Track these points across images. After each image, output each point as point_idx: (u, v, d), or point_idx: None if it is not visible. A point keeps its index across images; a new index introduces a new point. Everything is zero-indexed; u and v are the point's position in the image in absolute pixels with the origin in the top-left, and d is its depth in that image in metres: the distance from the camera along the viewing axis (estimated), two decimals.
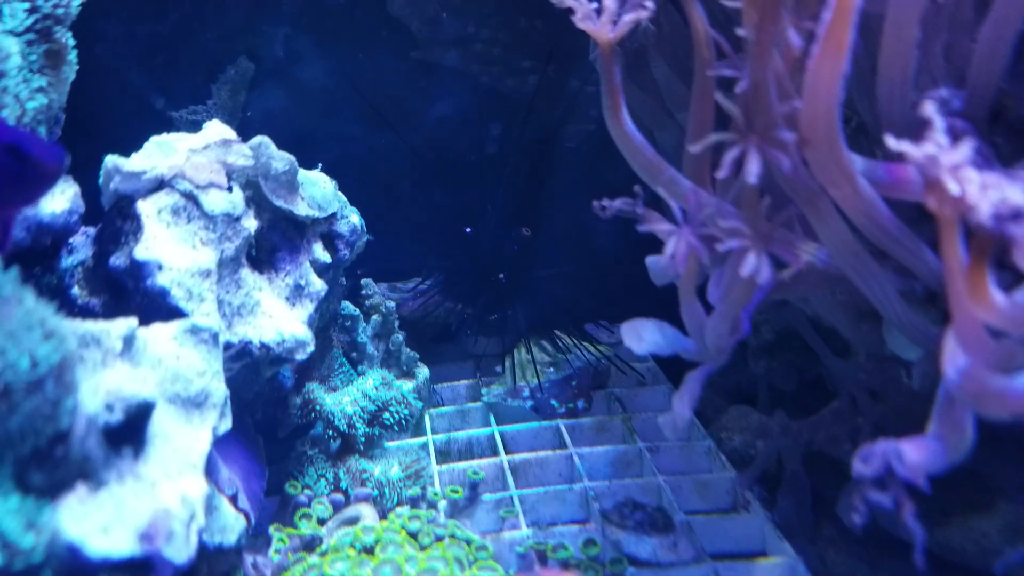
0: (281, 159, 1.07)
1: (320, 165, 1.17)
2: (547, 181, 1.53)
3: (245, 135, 1.07)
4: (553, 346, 1.45)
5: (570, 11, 0.73)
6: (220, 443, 0.84)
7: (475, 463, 1.23)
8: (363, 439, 1.15)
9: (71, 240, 1.02)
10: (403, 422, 1.18)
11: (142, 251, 0.93)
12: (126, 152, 1.02)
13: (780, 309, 1.10)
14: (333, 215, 1.14)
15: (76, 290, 0.99)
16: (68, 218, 1.01)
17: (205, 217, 0.98)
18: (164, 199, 0.98)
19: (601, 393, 1.39)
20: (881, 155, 0.76)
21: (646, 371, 1.44)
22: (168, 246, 0.95)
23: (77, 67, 1.04)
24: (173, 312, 0.90)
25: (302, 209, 1.09)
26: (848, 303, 0.86)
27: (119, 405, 0.70)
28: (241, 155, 1.04)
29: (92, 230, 1.02)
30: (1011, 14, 0.69)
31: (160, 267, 0.93)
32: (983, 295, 0.54)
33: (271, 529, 1.03)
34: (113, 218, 1.00)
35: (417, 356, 1.32)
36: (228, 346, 0.94)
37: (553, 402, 1.35)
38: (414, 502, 1.12)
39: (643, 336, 0.81)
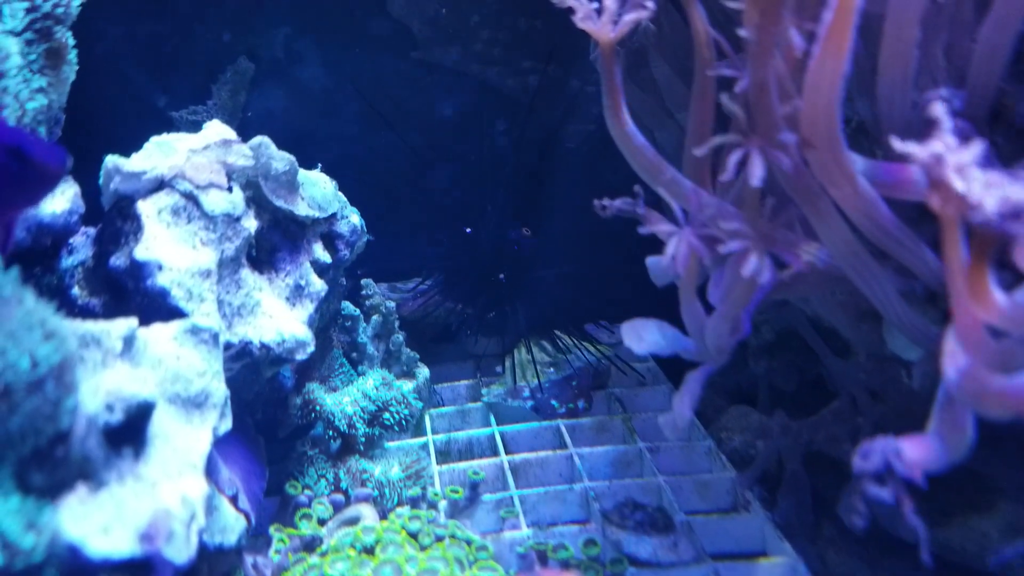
0: (281, 159, 1.07)
1: (320, 165, 1.17)
2: (547, 181, 1.53)
3: (245, 135, 1.07)
4: (553, 346, 1.45)
5: (571, 11, 0.73)
6: (220, 443, 0.83)
7: (475, 463, 1.23)
8: (363, 439, 1.15)
9: (71, 240, 1.02)
10: (403, 422, 1.18)
11: (142, 251, 0.93)
12: (126, 152, 1.02)
13: (780, 309, 1.10)
14: (333, 215, 1.14)
15: (76, 290, 0.99)
16: (68, 218, 1.01)
17: (205, 217, 0.98)
18: (164, 199, 0.98)
19: (601, 393, 1.39)
20: (881, 155, 0.76)
21: (646, 371, 1.44)
22: (168, 246, 0.95)
23: (77, 67, 1.04)
24: (173, 312, 0.90)
25: (302, 209, 1.09)
26: (848, 303, 0.86)
27: (119, 405, 0.70)
28: (241, 155, 1.04)
29: (92, 230, 1.02)
30: (1011, 14, 0.69)
31: (160, 267, 0.93)
32: (984, 294, 0.54)
33: (271, 529, 1.03)
34: (113, 218, 1.00)
35: (417, 356, 1.32)
36: (228, 346, 0.94)
37: (553, 402, 1.35)
38: (414, 502, 1.12)
39: (643, 336, 0.81)
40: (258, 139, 1.07)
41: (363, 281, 1.34)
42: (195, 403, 0.80)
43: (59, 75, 1.01)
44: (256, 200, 1.06)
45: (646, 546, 1.04)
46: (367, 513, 1.08)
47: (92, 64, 1.08)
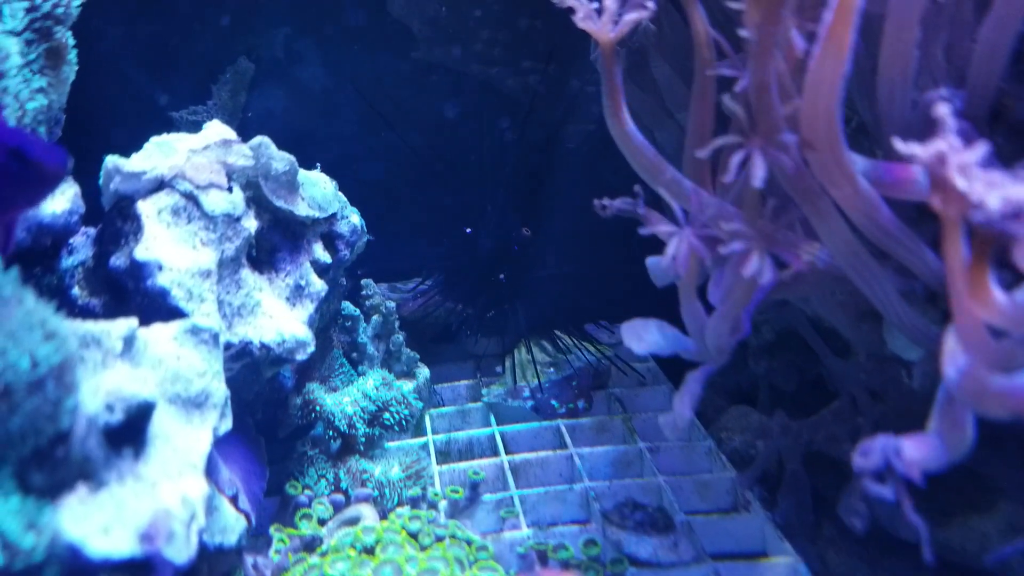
0: (281, 159, 1.07)
1: (318, 165, 1.17)
2: (547, 181, 1.53)
3: (245, 135, 1.07)
4: (553, 346, 1.45)
5: (571, 11, 0.73)
6: (221, 443, 0.83)
7: (475, 463, 1.23)
8: (363, 439, 1.15)
9: (71, 240, 1.02)
10: (403, 422, 1.18)
11: (142, 251, 0.93)
12: (126, 152, 1.02)
13: (780, 309, 1.10)
14: (333, 215, 1.14)
15: (76, 290, 0.99)
16: (68, 218, 1.01)
17: (205, 217, 0.98)
18: (164, 199, 0.98)
19: (601, 393, 1.39)
20: (881, 155, 0.76)
21: (646, 371, 1.44)
22: (168, 246, 0.95)
23: (77, 67, 1.04)
24: (173, 312, 0.90)
25: (302, 209, 1.09)
26: (848, 303, 0.86)
27: (119, 405, 0.70)
28: (241, 155, 1.03)
29: (92, 230, 1.02)
30: (1011, 14, 0.69)
31: (160, 267, 0.93)
32: (984, 294, 0.54)
33: (271, 529, 1.03)
34: (113, 218, 1.00)
35: (417, 356, 1.32)
36: (228, 346, 0.94)
37: (553, 402, 1.35)
38: (414, 502, 1.12)
39: (643, 336, 0.81)
40: (258, 139, 1.07)
41: (363, 281, 1.34)
42: (195, 403, 0.80)
43: (59, 75, 1.01)
44: (256, 200, 1.06)
45: (646, 546, 1.04)
46: (367, 513, 1.08)
47: (92, 64, 1.08)
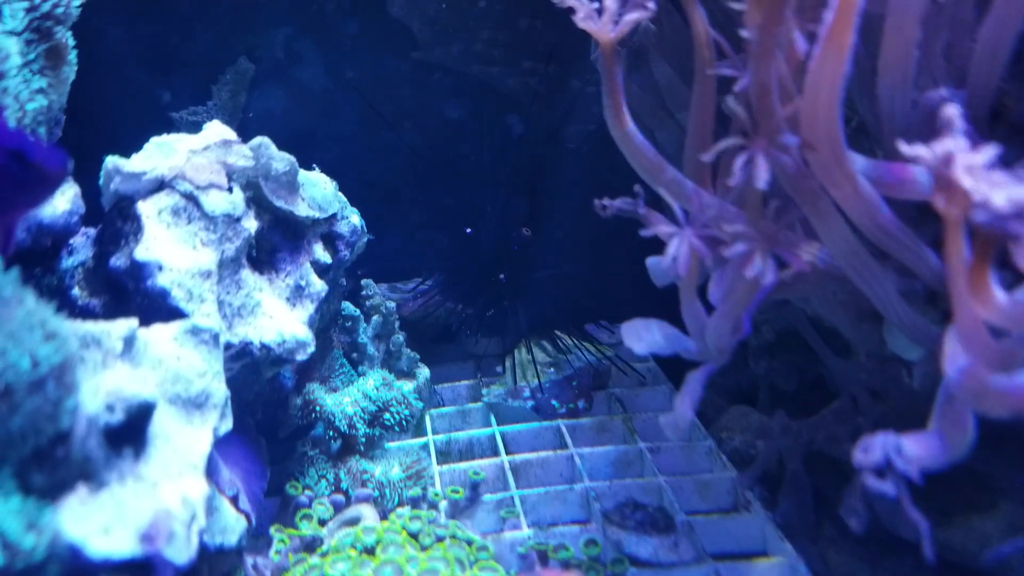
0: (281, 160, 1.07)
1: (315, 166, 1.17)
2: (547, 181, 1.53)
3: (245, 136, 1.07)
4: (553, 346, 1.45)
5: (571, 11, 0.73)
6: (221, 444, 0.83)
7: (476, 463, 1.23)
8: (364, 440, 1.15)
9: (71, 241, 1.02)
10: (404, 423, 1.18)
11: (142, 252, 0.93)
12: (126, 153, 1.01)
13: (781, 309, 1.10)
14: (333, 216, 1.14)
15: (76, 291, 0.99)
16: (68, 219, 1.01)
17: (205, 218, 0.98)
18: (164, 200, 0.98)
19: (602, 393, 1.39)
20: (881, 155, 0.76)
21: (647, 371, 1.44)
22: (168, 247, 0.95)
23: (77, 67, 1.04)
24: (173, 313, 0.90)
25: (302, 210, 1.09)
26: (849, 303, 0.86)
27: (120, 406, 0.70)
28: (241, 156, 1.03)
29: (92, 231, 1.02)
30: (1011, 14, 0.69)
31: (160, 268, 0.93)
32: (985, 293, 0.54)
33: (272, 530, 1.03)
34: (113, 219, 1.00)
35: (418, 356, 1.32)
36: (228, 346, 0.94)
37: (554, 402, 1.35)
38: (415, 502, 1.12)
39: (643, 336, 0.81)
40: (258, 140, 1.07)
41: (363, 281, 1.34)
42: (195, 403, 0.80)
43: (59, 75, 1.01)
44: (256, 200, 1.06)
45: (647, 546, 1.04)
46: (368, 513, 1.08)
47: (92, 64, 1.08)
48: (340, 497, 1.10)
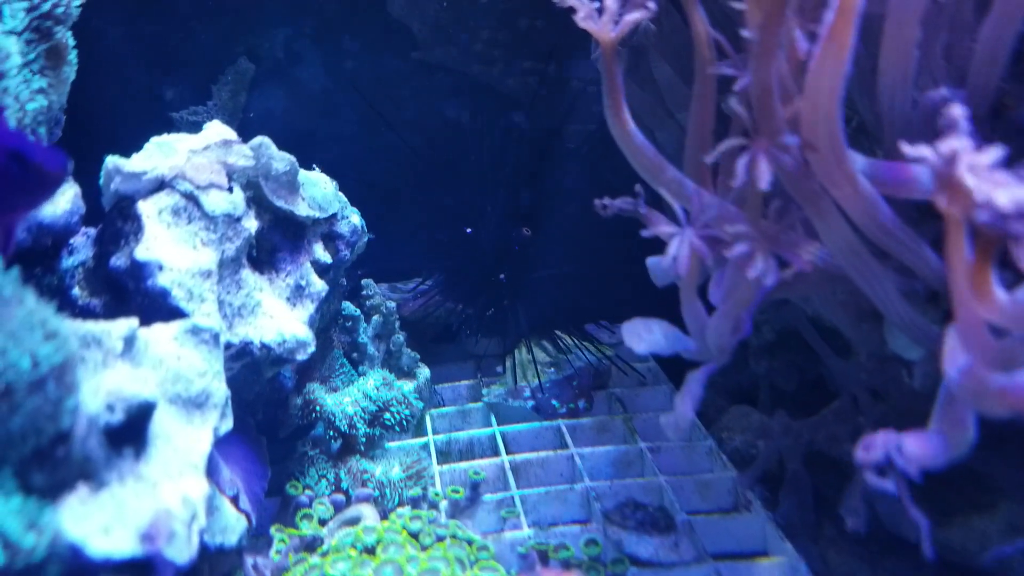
0: (282, 159, 1.07)
1: (315, 166, 1.17)
2: (548, 181, 1.53)
3: (245, 136, 1.07)
4: (554, 346, 1.45)
5: (571, 10, 0.73)
6: (221, 444, 0.83)
7: (476, 463, 1.23)
8: (364, 439, 1.15)
9: (72, 241, 1.02)
10: (404, 422, 1.18)
11: (143, 252, 0.93)
12: (127, 153, 1.01)
13: (781, 309, 1.10)
14: (334, 215, 1.14)
15: (77, 291, 0.99)
16: (69, 219, 1.01)
17: (206, 218, 0.98)
18: (165, 200, 0.98)
19: (602, 393, 1.39)
20: (881, 154, 0.76)
21: (647, 371, 1.44)
22: (169, 247, 0.95)
23: (77, 67, 1.04)
24: (174, 312, 0.90)
25: (303, 209, 1.09)
26: (849, 303, 0.86)
27: (120, 405, 0.70)
28: (242, 155, 1.03)
29: (93, 231, 1.02)
30: (1011, 14, 0.69)
31: (161, 267, 0.93)
32: (986, 293, 0.54)
33: (272, 530, 1.03)
34: (114, 219, 1.00)
35: (418, 356, 1.32)
36: (229, 346, 0.94)
37: (554, 402, 1.35)
38: (415, 502, 1.12)
39: (644, 336, 0.81)
40: (258, 139, 1.07)
41: (364, 281, 1.34)
42: (196, 403, 0.80)
43: (59, 75, 1.01)
44: (257, 200, 1.06)
45: (647, 546, 1.03)
46: (368, 513, 1.08)
47: (92, 64, 1.08)
48: (340, 497, 1.10)
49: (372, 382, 1.19)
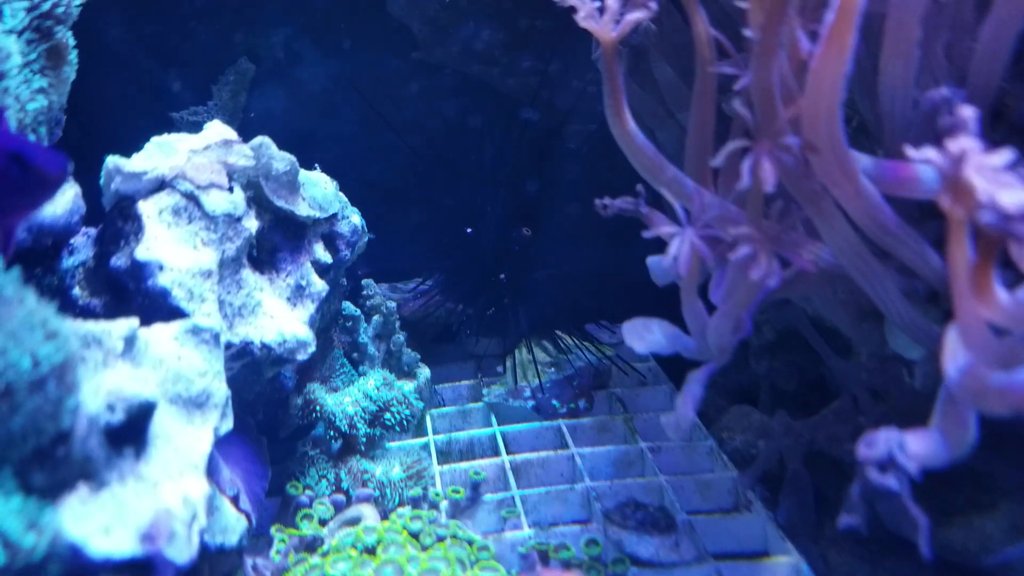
0: (282, 159, 1.07)
1: (317, 165, 1.17)
2: (548, 181, 1.53)
3: (246, 136, 1.07)
4: (554, 346, 1.45)
5: (572, 10, 0.73)
6: (222, 444, 0.83)
7: (476, 463, 1.23)
8: (364, 439, 1.15)
9: (72, 241, 1.02)
10: (404, 422, 1.18)
11: (143, 252, 0.93)
12: (127, 153, 1.02)
13: (781, 308, 1.09)
14: (334, 215, 1.14)
15: (77, 291, 0.99)
16: (69, 219, 1.01)
17: (206, 217, 0.98)
18: (165, 199, 0.98)
19: (602, 393, 1.39)
20: (882, 154, 0.76)
21: (647, 371, 1.44)
22: (169, 246, 0.95)
23: (77, 67, 1.04)
24: (174, 312, 0.90)
25: (303, 209, 1.09)
26: (850, 302, 0.86)
27: (120, 405, 0.70)
28: (242, 155, 1.03)
29: (93, 231, 1.02)
30: (1012, 14, 0.69)
31: (161, 267, 0.92)
32: (988, 293, 0.54)
33: (272, 530, 1.03)
34: (114, 219, 1.00)
35: (418, 356, 1.32)
36: (229, 346, 0.94)
37: (554, 402, 1.35)
38: (416, 502, 1.12)
39: (644, 335, 0.81)
40: (259, 139, 1.07)
41: (364, 281, 1.34)
42: (196, 403, 0.80)
43: (59, 75, 1.01)
44: (257, 200, 1.06)
45: (648, 546, 1.03)
46: (368, 513, 1.08)
47: (92, 64, 1.08)
48: (341, 497, 1.10)
49: (372, 382, 1.19)
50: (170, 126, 1.55)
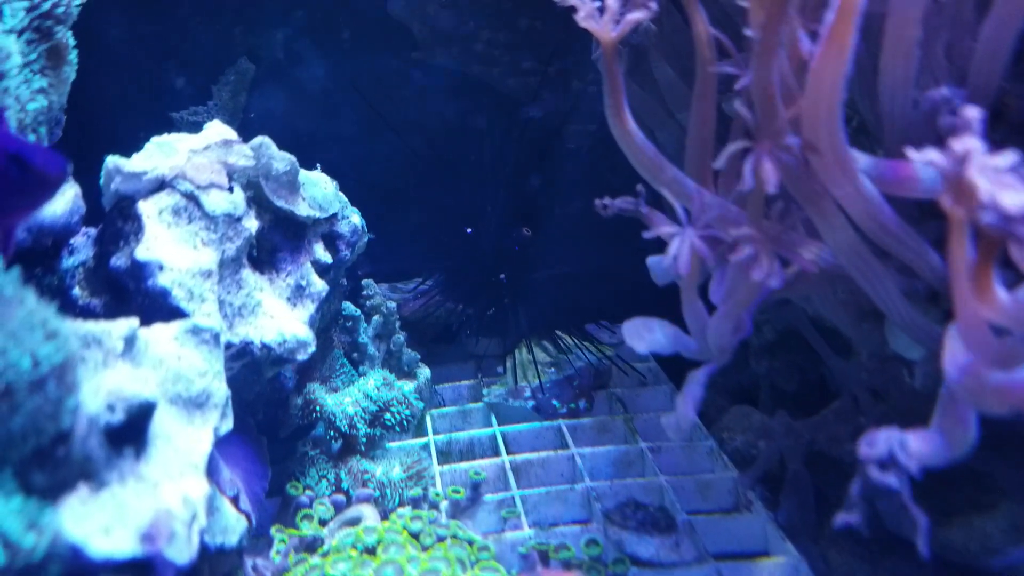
0: (282, 159, 1.07)
1: (319, 165, 1.17)
2: (548, 181, 1.53)
3: (246, 136, 1.07)
4: (554, 346, 1.45)
5: (572, 10, 0.73)
6: (222, 444, 0.83)
7: (477, 463, 1.23)
8: (364, 440, 1.15)
9: (72, 241, 1.02)
10: (404, 423, 1.18)
11: (143, 252, 0.93)
12: (127, 153, 1.01)
13: (782, 308, 1.09)
14: (334, 215, 1.14)
15: (77, 291, 0.99)
16: (69, 219, 1.01)
17: (206, 217, 0.98)
18: (165, 199, 0.98)
19: (602, 393, 1.39)
20: (882, 154, 0.76)
21: (647, 371, 1.44)
22: (169, 246, 0.95)
23: (77, 67, 1.04)
24: (174, 312, 0.90)
25: (303, 209, 1.09)
26: (850, 302, 0.86)
27: (120, 405, 0.70)
28: (242, 155, 1.03)
29: (93, 231, 1.02)
30: (1012, 13, 0.69)
31: (161, 267, 0.92)
32: (988, 293, 0.54)
33: (273, 530, 1.03)
34: (114, 219, 1.00)
35: (418, 356, 1.32)
36: (229, 346, 0.94)
37: (555, 402, 1.35)
38: (416, 503, 1.12)
39: (645, 335, 0.80)
40: (259, 139, 1.07)
41: (364, 281, 1.34)
42: (196, 403, 0.80)
43: (59, 75, 1.01)
44: (257, 200, 1.06)
45: (648, 546, 1.03)
46: (368, 513, 1.08)
47: (92, 64, 1.08)
48: (341, 497, 1.10)
49: (372, 382, 1.19)
50: (170, 126, 1.55)
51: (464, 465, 1.22)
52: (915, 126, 0.73)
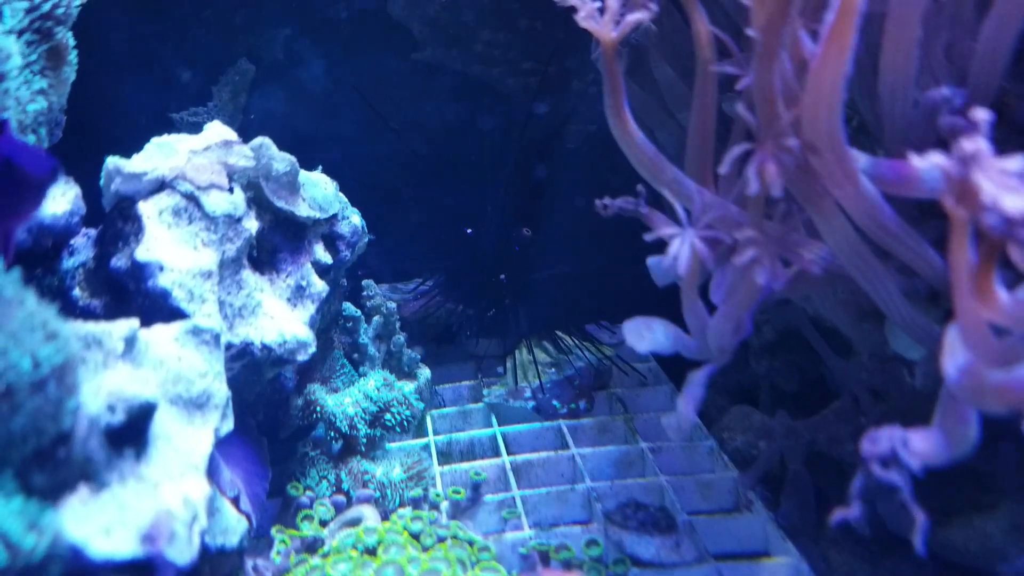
0: (282, 160, 1.07)
1: (320, 167, 1.17)
2: (548, 181, 1.53)
3: (246, 136, 1.07)
4: (554, 347, 1.45)
5: (572, 10, 0.73)
6: (222, 444, 0.83)
7: (477, 464, 1.23)
8: (365, 440, 1.15)
9: (72, 242, 1.02)
10: (405, 423, 1.18)
11: (143, 252, 0.93)
12: (127, 153, 1.02)
13: (782, 308, 1.09)
14: (334, 216, 1.14)
15: (77, 291, 0.99)
16: (69, 220, 1.01)
17: (206, 218, 0.98)
18: (165, 200, 0.98)
19: (603, 393, 1.39)
20: (882, 154, 0.76)
21: (647, 371, 1.44)
22: (169, 247, 0.95)
23: (77, 68, 1.04)
24: (174, 313, 0.90)
25: (303, 210, 1.09)
26: (850, 302, 0.86)
27: (121, 406, 0.70)
28: (242, 156, 1.03)
29: (93, 232, 1.02)
30: (1012, 13, 0.69)
31: (161, 268, 0.92)
32: (989, 293, 0.54)
33: (273, 531, 1.03)
34: (114, 219, 1.00)
35: (418, 357, 1.32)
36: (229, 347, 0.94)
37: (555, 403, 1.35)
38: (416, 503, 1.12)
39: (645, 334, 0.80)
40: (259, 140, 1.07)
41: (364, 282, 1.34)
42: (197, 404, 0.80)
43: (59, 76, 1.01)
44: (257, 201, 1.06)
45: (648, 546, 1.03)
46: (369, 514, 1.08)
47: (92, 65, 1.08)
48: (341, 498, 1.10)
49: (373, 383, 1.19)
50: (170, 127, 1.55)
51: (464, 466, 1.22)
52: (915, 126, 0.73)
